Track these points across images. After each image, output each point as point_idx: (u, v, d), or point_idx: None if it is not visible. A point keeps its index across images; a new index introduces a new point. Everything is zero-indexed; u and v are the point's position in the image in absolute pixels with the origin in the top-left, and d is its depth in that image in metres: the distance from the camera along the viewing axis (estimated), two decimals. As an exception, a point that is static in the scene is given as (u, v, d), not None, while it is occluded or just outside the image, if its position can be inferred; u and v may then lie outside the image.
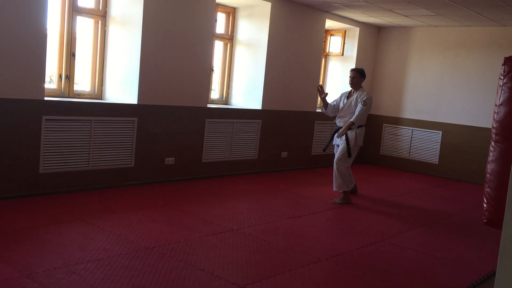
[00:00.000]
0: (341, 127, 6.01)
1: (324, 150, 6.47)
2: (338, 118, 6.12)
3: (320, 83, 8.97)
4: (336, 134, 6.10)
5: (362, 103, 5.85)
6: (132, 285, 3.18)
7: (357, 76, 5.99)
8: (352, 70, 6.10)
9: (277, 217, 5.13)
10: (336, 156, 5.99)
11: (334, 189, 6.03)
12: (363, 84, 6.10)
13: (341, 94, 6.26)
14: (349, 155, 5.88)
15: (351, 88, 6.11)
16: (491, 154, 4.41)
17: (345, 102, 6.09)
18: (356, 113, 5.85)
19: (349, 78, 6.06)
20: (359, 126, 5.94)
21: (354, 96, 5.98)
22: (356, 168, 8.94)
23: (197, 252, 3.87)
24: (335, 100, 6.28)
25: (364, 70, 6.19)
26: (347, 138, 5.86)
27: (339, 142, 6.02)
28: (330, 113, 6.23)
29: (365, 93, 5.96)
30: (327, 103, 6.17)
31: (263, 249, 4.10)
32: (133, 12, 5.81)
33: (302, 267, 3.78)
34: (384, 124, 9.42)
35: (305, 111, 8.14)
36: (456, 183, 8.27)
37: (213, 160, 6.90)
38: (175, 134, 6.34)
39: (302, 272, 3.68)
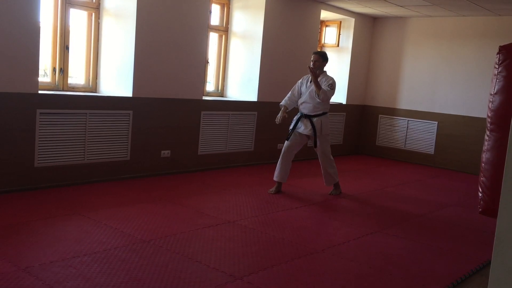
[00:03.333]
0: (306, 114, 5.63)
1: (287, 139, 5.78)
2: (302, 104, 5.71)
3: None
4: (299, 122, 5.69)
5: (329, 86, 5.52)
6: (129, 277, 3.18)
7: (320, 60, 5.60)
8: (315, 53, 5.70)
9: (273, 209, 5.13)
10: (318, 154, 5.77)
11: (326, 185, 5.97)
12: (325, 68, 5.75)
13: (302, 78, 5.83)
14: (315, 145, 5.67)
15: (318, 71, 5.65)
16: (486, 143, 4.42)
17: (308, 86, 5.68)
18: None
19: (311, 62, 5.67)
20: (323, 114, 5.66)
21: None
22: (352, 159, 8.96)
23: (193, 245, 3.87)
24: (290, 92, 5.83)
25: (327, 53, 5.81)
26: (314, 129, 5.60)
27: (303, 131, 5.68)
28: (293, 106, 5.85)
29: (330, 77, 5.63)
30: (287, 108, 5.78)
31: (259, 241, 4.10)
32: (127, 4, 5.77)
33: (299, 258, 3.79)
34: (379, 115, 9.43)
35: (301, 103, 8.12)
36: (451, 173, 8.29)
37: (209, 152, 6.89)
38: (170, 126, 6.32)
39: (299, 263, 3.69)
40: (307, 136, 5.77)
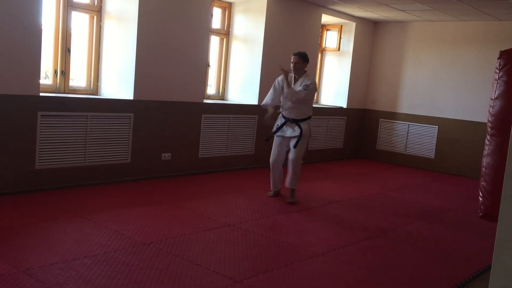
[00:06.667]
0: (290, 119, 5.54)
1: (267, 140, 5.84)
2: (287, 109, 5.58)
3: (317, 78, 8.97)
4: (285, 126, 5.59)
5: (304, 87, 5.40)
6: (129, 280, 3.18)
7: (300, 61, 5.47)
8: (295, 54, 5.52)
9: (273, 212, 5.13)
10: (293, 155, 5.55)
11: (286, 185, 5.68)
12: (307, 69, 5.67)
13: (281, 77, 5.65)
14: (295, 146, 5.51)
15: (293, 74, 5.59)
16: (486, 148, 4.42)
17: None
18: (299, 93, 5.41)
19: (291, 63, 5.51)
20: (309, 118, 5.59)
21: (298, 82, 5.48)
22: (353, 163, 8.97)
23: (193, 248, 3.88)
24: (272, 90, 5.68)
25: (307, 54, 5.63)
26: (301, 130, 5.50)
27: (291, 134, 5.56)
28: (276, 102, 5.72)
29: (309, 78, 5.50)
30: (272, 105, 5.64)
31: (259, 244, 4.10)
32: (129, 7, 5.79)
33: (299, 261, 3.79)
34: (380, 119, 9.43)
35: (302, 106, 8.12)
36: (452, 177, 8.29)
37: (210, 155, 6.89)
38: (171, 129, 6.33)
39: (299, 266, 3.69)
40: (289, 138, 5.62)
